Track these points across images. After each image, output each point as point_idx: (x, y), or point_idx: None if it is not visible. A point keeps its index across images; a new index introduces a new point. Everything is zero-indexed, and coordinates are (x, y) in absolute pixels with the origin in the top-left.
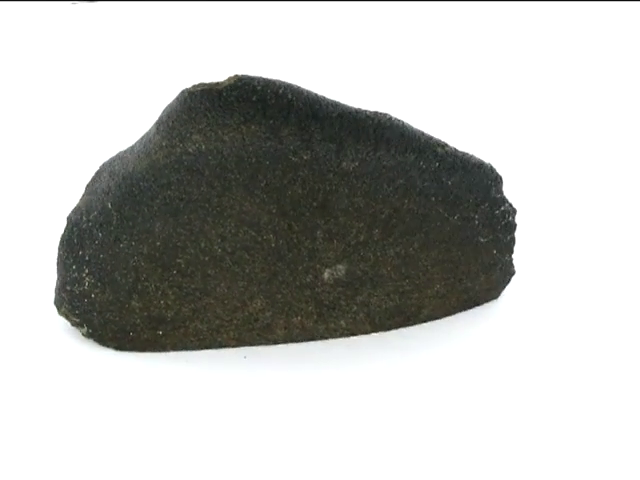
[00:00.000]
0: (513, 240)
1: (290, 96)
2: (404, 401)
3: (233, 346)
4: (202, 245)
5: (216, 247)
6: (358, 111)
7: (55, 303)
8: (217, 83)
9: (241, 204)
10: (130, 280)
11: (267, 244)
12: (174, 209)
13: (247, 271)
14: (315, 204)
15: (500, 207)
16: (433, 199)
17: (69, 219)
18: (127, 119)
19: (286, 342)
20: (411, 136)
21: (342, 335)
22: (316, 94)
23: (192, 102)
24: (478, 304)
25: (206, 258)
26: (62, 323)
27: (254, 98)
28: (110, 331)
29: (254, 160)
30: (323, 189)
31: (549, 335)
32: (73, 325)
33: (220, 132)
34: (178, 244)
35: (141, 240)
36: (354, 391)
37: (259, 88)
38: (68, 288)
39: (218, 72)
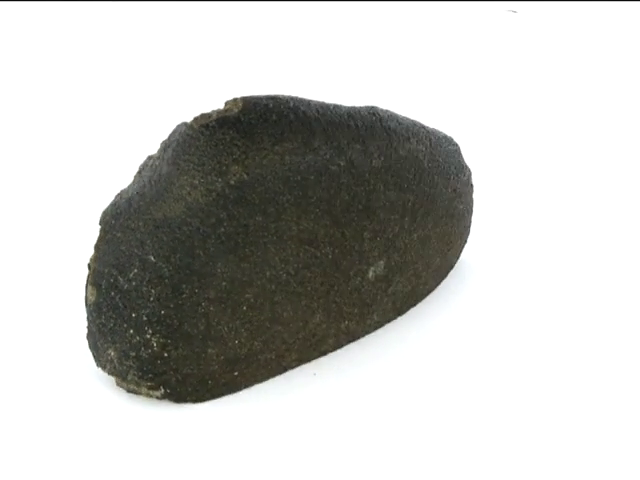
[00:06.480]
0: (472, 200)
1: (302, 107)
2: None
3: (294, 367)
4: (268, 274)
5: (281, 272)
6: (356, 108)
7: (115, 374)
8: (225, 110)
9: (298, 224)
10: (202, 328)
11: (325, 257)
12: (233, 245)
13: (309, 288)
14: (360, 206)
15: (465, 172)
16: (436, 177)
17: (97, 285)
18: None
19: (335, 350)
20: (406, 122)
21: (374, 329)
22: (315, 100)
23: (212, 134)
24: (452, 268)
25: (273, 286)
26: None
27: (273, 117)
28: (189, 386)
29: (299, 177)
30: (364, 190)
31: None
32: (145, 393)
33: (257, 157)
34: (244, 279)
35: (204, 285)
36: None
37: (271, 106)
38: (133, 354)
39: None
